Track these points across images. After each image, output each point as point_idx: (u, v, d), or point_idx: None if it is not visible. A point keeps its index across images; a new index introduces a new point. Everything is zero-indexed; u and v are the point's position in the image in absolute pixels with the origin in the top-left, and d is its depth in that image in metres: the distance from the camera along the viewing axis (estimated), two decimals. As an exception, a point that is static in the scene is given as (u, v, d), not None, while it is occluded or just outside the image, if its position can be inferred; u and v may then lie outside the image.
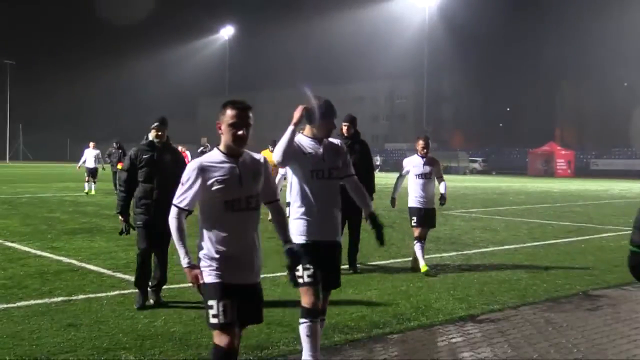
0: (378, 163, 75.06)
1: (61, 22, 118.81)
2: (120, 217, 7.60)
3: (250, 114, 4.12)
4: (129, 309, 7.13)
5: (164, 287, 8.37)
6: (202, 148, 30.53)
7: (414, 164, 9.97)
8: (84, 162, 25.52)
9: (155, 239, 7.36)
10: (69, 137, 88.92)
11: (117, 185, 23.16)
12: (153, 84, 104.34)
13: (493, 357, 5.74)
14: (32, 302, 7.38)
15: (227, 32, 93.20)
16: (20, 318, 6.66)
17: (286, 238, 4.51)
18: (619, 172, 64.03)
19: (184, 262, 4.06)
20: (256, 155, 4.30)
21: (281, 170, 9.71)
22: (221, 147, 4.16)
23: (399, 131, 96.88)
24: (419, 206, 9.82)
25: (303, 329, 5.07)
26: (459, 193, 30.60)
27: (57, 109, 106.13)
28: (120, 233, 7.69)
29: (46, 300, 7.48)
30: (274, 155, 5.16)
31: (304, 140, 5.20)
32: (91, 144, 26.01)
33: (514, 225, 16.55)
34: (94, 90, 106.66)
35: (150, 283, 7.49)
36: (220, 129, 4.14)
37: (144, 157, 7.41)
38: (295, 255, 4.43)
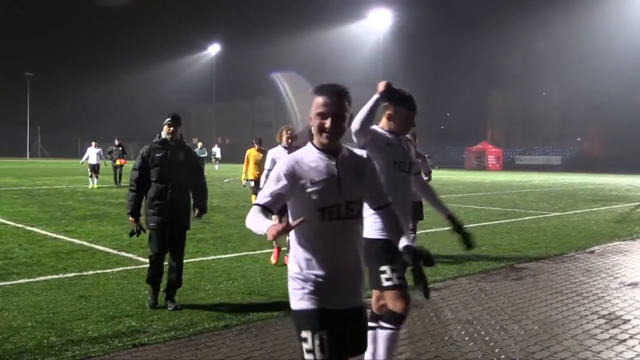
0: None
1: (72, 39, 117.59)
2: (130, 218, 6.11)
3: (346, 101, 2.79)
4: (131, 282, 7.08)
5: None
6: (197, 149, 29.99)
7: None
8: (87, 158, 24.51)
9: (170, 241, 6.13)
10: (79, 137, 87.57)
11: (117, 182, 23.24)
12: (151, 92, 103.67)
13: (435, 318, 5.80)
14: (49, 277, 7.30)
15: (214, 49, 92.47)
16: (39, 290, 6.59)
17: (403, 241, 3.01)
18: (539, 166, 64.90)
19: (265, 228, 2.55)
20: (358, 151, 3.02)
21: (267, 165, 8.42)
22: (315, 141, 2.86)
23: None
24: None
25: (388, 335, 4.00)
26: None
27: (69, 113, 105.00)
28: (131, 234, 6.17)
29: (61, 275, 7.40)
30: (353, 124, 3.91)
31: (382, 131, 4.19)
32: (93, 143, 24.92)
33: (453, 210, 16.68)
34: (100, 97, 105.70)
35: (162, 288, 6.18)
36: (310, 120, 2.90)
37: (156, 155, 6.02)
38: (423, 254, 2.96)
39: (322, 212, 2.76)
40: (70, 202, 17.32)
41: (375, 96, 4.08)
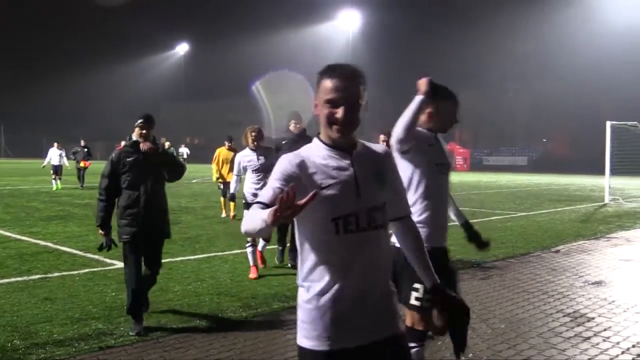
0: None
1: (37, 37, 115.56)
2: (100, 231, 5.47)
3: (361, 85, 2.27)
4: (97, 284, 6.98)
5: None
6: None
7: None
8: (50, 160, 23.79)
9: (146, 251, 5.50)
10: (44, 136, 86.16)
11: (81, 182, 22.78)
12: (118, 91, 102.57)
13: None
14: (13, 279, 7.16)
15: (182, 48, 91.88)
16: (3, 293, 6.46)
17: (429, 275, 2.48)
18: (505, 166, 65.73)
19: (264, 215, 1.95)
20: (376, 147, 2.44)
21: (235, 170, 7.93)
22: (322, 136, 2.30)
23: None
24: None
25: (414, 354, 3.60)
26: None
27: (34, 112, 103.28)
28: (100, 248, 5.52)
29: (25, 277, 7.26)
30: (394, 133, 3.47)
31: (424, 131, 3.76)
32: (55, 144, 24.16)
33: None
34: (66, 96, 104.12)
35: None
36: (316, 107, 2.30)
37: (127, 160, 5.38)
38: (453, 300, 2.53)
39: (335, 223, 2.18)
40: (35, 203, 17.02)
41: (419, 98, 3.56)
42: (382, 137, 8.70)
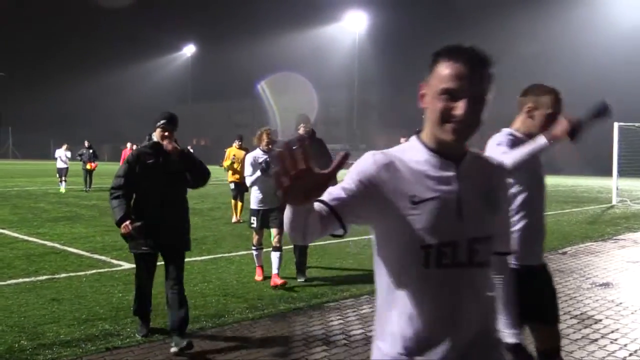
0: None
1: (45, 38, 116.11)
2: (125, 223, 4.85)
3: (489, 76, 1.76)
4: (104, 285, 7.00)
5: (134, 265, 8.23)
6: None
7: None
8: (60, 159, 23.12)
9: (166, 268, 5.02)
10: (51, 138, 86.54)
11: (87, 186, 22.30)
12: (125, 93, 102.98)
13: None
14: (21, 280, 7.19)
15: (189, 49, 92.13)
16: (10, 294, 6.49)
17: (513, 324, 2.22)
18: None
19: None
20: (490, 158, 1.94)
21: (246, 171, 7.44)
22: (425, 135, 1.79)
23: (333, 134, 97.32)
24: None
25: None
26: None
27: (42, 114, 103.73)
28: (128, 238, 5.00)
29: (32, 278, 7.29)
30: (506, 161, 2.89)
31: (523, 137, 3.24)
32: (64, 146, 23.37)
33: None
34: (73, 98, 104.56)
35: (169, 326, 4.95)
36: (423, 98, 1.80)
37: (146, 162, 4.90)
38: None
39: (426, 252, 1.64)
40: (42, 204, 17.08)
41: (544, 142, 2.99)
42: (402, 140, 8.30)
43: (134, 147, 24.74)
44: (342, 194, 1.63)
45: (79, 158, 23.45)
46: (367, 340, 5.17)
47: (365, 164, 1.70)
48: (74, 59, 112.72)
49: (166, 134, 4.90)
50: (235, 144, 13.60)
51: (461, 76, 1.66)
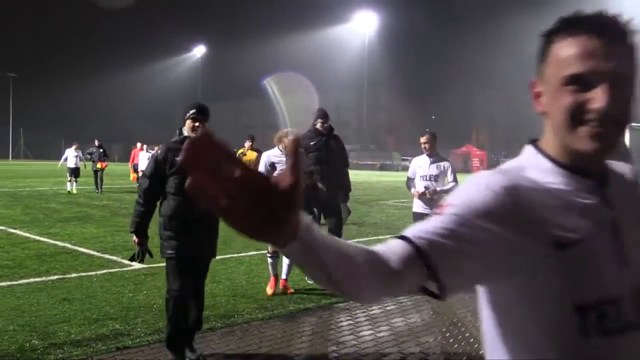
0: (406, 164, 74.61)
1: (56, 38, 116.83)
2: (134, 238, 4.62)
3: (631, 44, 1.11)
4: (115, 285, 7.03)
5: (145, 265, 8.28)
6: None
7: (419, 163, 7.37)
8: (65, 159, 22.34)
9: (191, 272, 4.57)
10: (63, 138, 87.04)
11: (98, 187, 21.68)
12: (135, 93, 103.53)
13: (420, 321, 5.82)
14: (32, 279, 7.23)
15: (199, 50, 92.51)
16: (22, 293, 6.53)
17: None
18: (523, 168, 65.62)
19: None
20: (623, 167, 1.28)
21: (261, 169, 6.71)
22: (548, 145, 1.22)
23: (344, 135, 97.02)
24: (423, 212, 7.02)
25: None
26: (393, 186, 30.83)
27: (53, 114, 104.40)
28: (132, 259, 4.72)
29: (44, 278, 7.33)
30: None
31: None
32: (74, 145, 22.31)
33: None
34: (84, 98, 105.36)
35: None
36: (538, 98, 1.25)
37: (176, 159, 4.38)
38: None
39: (582, 315, 1.11)
40: (54, 204, 17.17)
41: None
42: (421, 139, 7.37)
43: (144, 146, 24.92)
44: (440, 231, 1.06)
45: (88, 157, 22.67)
46: (377, 341, 5.17)
47: (487, 196, 1.10)
48: (85, 59, 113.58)
49: (197, 124, 4.47)
50: (247, 144, 13.26)
51: (593, 53, 1.10)
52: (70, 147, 22.59)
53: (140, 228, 4.56)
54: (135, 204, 4.61)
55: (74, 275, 7.54)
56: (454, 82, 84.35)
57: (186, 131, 4.56)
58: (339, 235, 6.82)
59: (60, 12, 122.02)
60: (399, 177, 48.36)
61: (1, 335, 5.08)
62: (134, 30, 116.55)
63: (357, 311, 6.09)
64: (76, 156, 22.01)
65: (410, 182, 7.50)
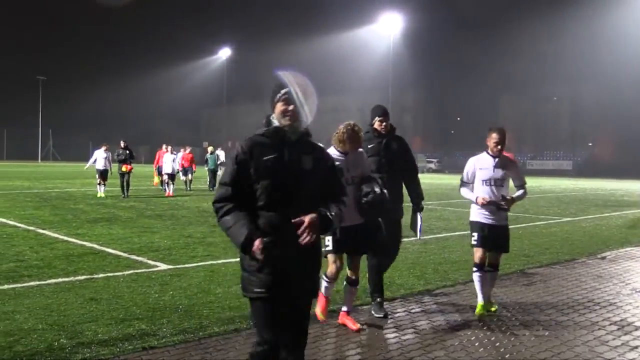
0: (431, 166, 74.33)
1: (84, 41, 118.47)
2: (255, 245, 3.08)
3: None
4: (141, 285, 7.09)
5: (171, 266, 8.35)
6: (208, 154, 26.99)
7: (480, 165, 6.22)
8: (94, 162, 21.31)
9: (289, 318, 3.31)
10: (90, 140, 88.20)
11: (124, 192, 20.80)
12: (162, 95, 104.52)
13: (445, 324, 5.78)
14: (60, 279, 7.33)
15: (224, 53, 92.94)
16: (50, 293, 6.61)
17: None
18: (550, 171, 64.82)
19: None
20: None
21: None
22: None
23: (367, 137, 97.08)
24: (483, 221, 6.16)
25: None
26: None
27: (81, 116, 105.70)
28: (260, 268, 3.22)
29: (72, 278, 7.42)
30: None
31: None
32: (103, 147, 21.59)
33: (463, 215, 16.63)
34: (111, 100, 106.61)
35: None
36: None
37: (264, 158, 3.21)
38: None
39: None
40: (81, 205, 17.39)
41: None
42: (494, 136, 6.18)
43: (168, 148, 24.68)
44: None
45: (117, 158, 21.35)
46: (401, 344, 5.14)
47: None
48: (113, 62, 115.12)
49: (290, 108, 3.24)
50: None
51: None
52: (100, 148, 21.73)
53: (251, 230, 3.10)
54: (220, 221, 3.24)
55: (101, 275, 7.63)
56: (479, 84, 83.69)
57: (276, 118, 3.31)
58: (378, 271, 6.18)
59: (90, 16, 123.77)
60: (425, 179, 48.10)
61: (30, 334, 5.16)
62: (160, 33, 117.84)
63: (385, 320, 6.07)
64: (105, 158, 21.18)
65: (466, 186, 6.34)
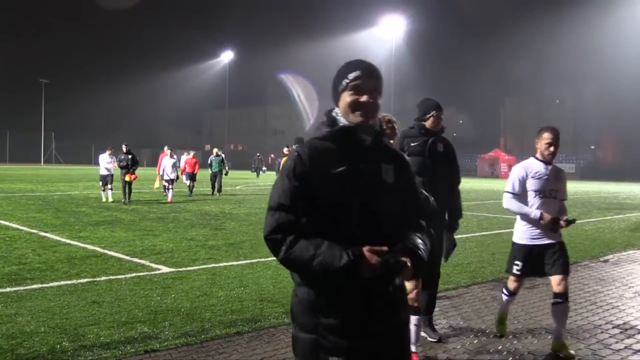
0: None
1: (87, 45, 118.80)
2: (370, 257, 2.11)
3: None
4: (143, 288, 7.10)
5: (173, 269, 8.35)
6: (212, 156, 26.22)
7: (532, 171, 5.11)
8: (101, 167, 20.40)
9: None
10: (93, 143, 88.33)
11: (126, 197, 19.38)
12: (164, 98, 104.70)
13: (448, 327, 5.77)
14: (62, 282, 7.33)
15: (227, 56, 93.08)
16: (53, 296, 6.62)
17: None
18: (552, 173, 64.70)
19: None
20: None
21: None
22: None
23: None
24: (532, 243, 5.08)
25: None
26: (420, 191, 30.64)
27: (84, 119, 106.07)
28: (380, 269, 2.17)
29: (74, 281, 7.43)
30: None
31: None
32: (108, 150, 20.54)
33: (465, 218, 16.52)
34: (114, 103, 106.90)
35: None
36: None
37: (331, 172, 2.26)
38: None
39: None
40: (84, 208, 17.41)
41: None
42: (546, 135, 5.18)
43: (168, 151, 24.03)
44: None
45: (117, 163, 20.41)
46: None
47: None
48: (115, 65, 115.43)
49: (364, 98, 2.30)
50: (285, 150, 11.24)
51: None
52: (104, 152, 20.80)
53: (344, 250, 2.13)
54: (290, 259, 2.22)
55: (103, 278, 7.63)
56: (481, 87, 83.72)
57: (341, 114, 2.35)
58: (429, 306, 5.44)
59: (92, 19, 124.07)
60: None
61: (32, 336, 5.17)
62: (163, 36, 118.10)
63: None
64: (109, 162, 20.33)
65: (517, 199, 5.10)
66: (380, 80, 2.38)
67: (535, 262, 5.07)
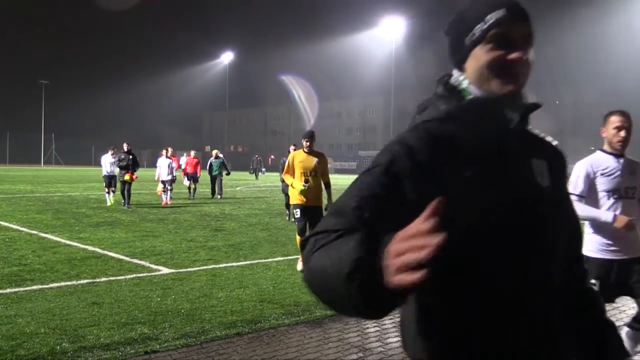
0: None
1: (87, 46, 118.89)
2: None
3: None
4: (143, 289, 7.10)
5: (173, 270, 8.35)
6: (212, 158, 24.94)
7: (600, 167, 4.15)
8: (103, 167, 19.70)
9: None
10: (93, 144, 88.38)
11: (125, 200, 18.07)
12: (165, 99, 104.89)
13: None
14: (63, 283, 7.34)
15: (227, 57, 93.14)
16: (53, 297, 6.62)
17: None
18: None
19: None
20: None
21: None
22: None
23: (370, 141, 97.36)
24: (612, 257, 4.10)
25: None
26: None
27: (84, 120, 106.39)
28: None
29: (74, 282, 7.43)
30: None
31: None
32: (110, 151, 19.77)
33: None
34: (114, 104, 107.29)
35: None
36: None
37: (466, 173, 1.30)
38: None
39: None
40: (84, 209, 17.42)
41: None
42: (614, 119, 4.22)
43: (164, 151, 23.74)
44: None
45: (117, 163, 19.23)
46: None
47: None
48: (115, 67, 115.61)
49: (514, 55, 1.43)
50: (303, 144, 8.83)
51: None
52: (107, 152, 19.94)
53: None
54: (325, 252, 1.15)
55: (103, 279, 7.64)
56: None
57: (472, 82, 1.48)
58: None
59: (92, 21, 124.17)
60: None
61: (32, 337, 5.17)
62: (163, 37, 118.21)
63: (384, 318, 6.07)
64: (112, 163, 19.44)
65: (582, 201, 4.16)
66: (533, 26, 1.56)
67: (614, 281, 4.11)
